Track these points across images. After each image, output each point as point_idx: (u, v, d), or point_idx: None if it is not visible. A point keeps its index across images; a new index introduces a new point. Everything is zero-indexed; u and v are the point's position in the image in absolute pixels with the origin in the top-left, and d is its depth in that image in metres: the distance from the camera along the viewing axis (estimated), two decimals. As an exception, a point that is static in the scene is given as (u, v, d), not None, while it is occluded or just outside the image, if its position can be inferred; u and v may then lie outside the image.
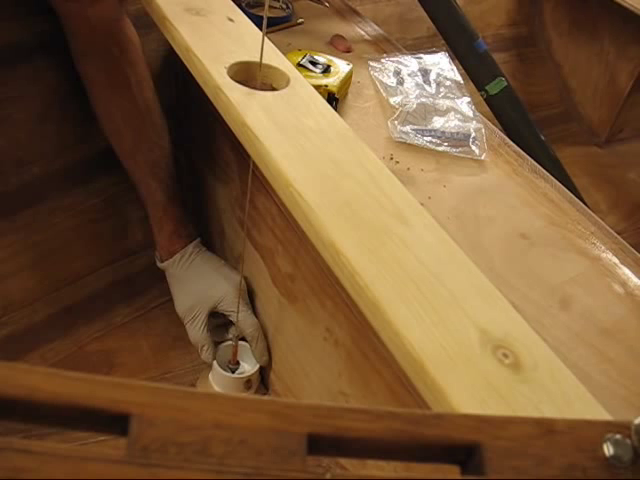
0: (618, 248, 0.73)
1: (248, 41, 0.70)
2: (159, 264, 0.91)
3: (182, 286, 0.90)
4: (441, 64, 0.98)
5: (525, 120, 1.11)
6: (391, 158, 0.81)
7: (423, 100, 0.90)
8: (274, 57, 0.69)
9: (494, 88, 1.08)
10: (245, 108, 0.60)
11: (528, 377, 0.42)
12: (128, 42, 0.83)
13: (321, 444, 0.22)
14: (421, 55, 0.99)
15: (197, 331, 0.89)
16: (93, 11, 0.78)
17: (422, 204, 0.58)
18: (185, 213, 0.91)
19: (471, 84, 1.08)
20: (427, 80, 0.95)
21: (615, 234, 0.74)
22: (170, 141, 0.90)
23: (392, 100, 0.89)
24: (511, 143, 0.87)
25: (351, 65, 0.89)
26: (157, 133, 0.88)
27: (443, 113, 0.88)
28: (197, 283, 0.89)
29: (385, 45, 1.04)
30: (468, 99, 0.92)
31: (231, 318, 0.89)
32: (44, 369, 0.22)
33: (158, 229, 0.90)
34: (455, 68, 0.99)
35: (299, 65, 0.85)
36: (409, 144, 0.83)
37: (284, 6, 1.09)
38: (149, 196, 0.89)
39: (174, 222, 0.90)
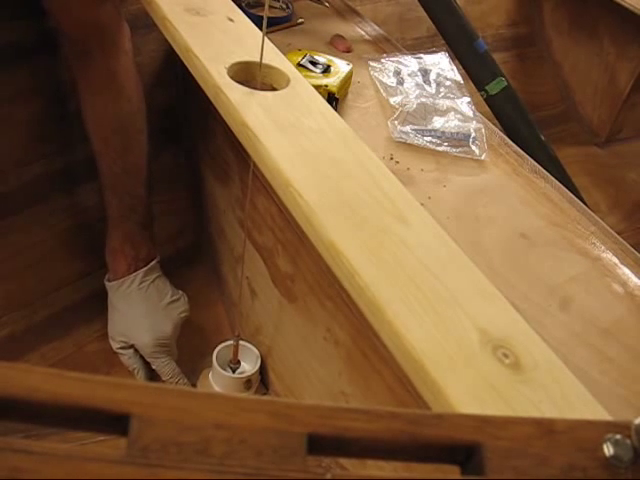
0: (618, 248, 0.73)
1: (248, 41, 0.69)
2: (105, 282, 0.89)
3: (112, 313, 0.89)
4: (441, 64, 0.98)
5: (525, 120, 1.11)
6: (391, 158, 0.81)
7: (423, 100, 0.90)
8: (274, 57, 0.69)
9: (494, 88, 1.08)
10: (245, 108, 0.60)
11: (528, 377, 0.42)
12: (122, 53, 0.81)
13: (321, 444, 0.22)
14: (421, 55, 0.99)
15: (123, 358, 0.89)
16: (92, 15, 0.77)
17: (422, 204, 0.58)
18: (142, 236, 0.87)
19: (471, 84, 1.08)
20: (427, 80, 0.95)
21: (615, 234, 0.74)
22: (145, 160, 0.86)
23: (392, 100, 0.89)
24: (511, 143, 0.87)
25: (351, 65, 0.89)
26: (127, 148, 0.84)
27: (443, 113, 0.88)
28: (124, 319, 0.87)
29: (385, 45, 1.04)
30: (468, 99, 0.92)
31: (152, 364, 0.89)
32: (44, 369, 0.22)
33: (107, 243, 0.87)
34: (455, 68, 0.99)
35: (299, 65, 0.85)
36: (409, 144, 0.83)
37: (284, 6, 1.09)
38: (105, 205, 0.87)
39: (120, 239, 0.86)
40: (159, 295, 0.88)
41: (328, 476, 0.21)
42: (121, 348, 0.88)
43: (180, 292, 0.91)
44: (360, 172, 0.56)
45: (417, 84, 0.93)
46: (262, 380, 0.93)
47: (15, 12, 0.84)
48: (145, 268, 0.87)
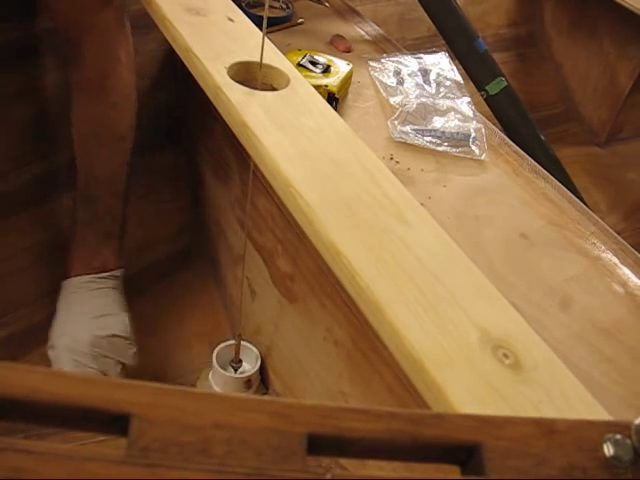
0: (618, 248, 0.73)
1: (248, 41, 0.70)
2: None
3: (55, 315, 0.84)
4: (441, 64, 0.98)
5: (525, 120, 1.11)
6: (391, 158, 0.81)
7: (423, 100, 0.89)
8: (274, 57, 0.69)
9: (494, 88, 1.08)
10: (245, 108, 0.60)
11: (528, 377, 0.42)
12: (114, 60, 0.80)
13: (321, 444, 0.22)
14: (421, 55, 0.99)
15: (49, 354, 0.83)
16: (89, 17, 0.76)
17: (422, 204, 0.58)
18: (103, 246, 0.85)
19: (471, 84, 1.08)
20: (427, 80, 0.95)
21: (615, 234, 0.74)
22: (122, 170, 0.83)
23: (392, 100, 0.89)
24: (511, 143, 0.87)
25: (351, 65, 0.89)
26: (102, 154, 0.82)
27: (443, 113, 0.88)
28: (55, 319, 0.82)
29: (385, 45, 1.04)
30: (468, 99, 0.92)
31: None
32: (44, 369, 0.22)
33: (70, 243, 0.85)
34: (455, 68, 0.99)
35: (299, 65, 0.85)
36: (409, 144, 0.83)
37: (284, 6, 1.09)
38: (74, 207, 0.85)
39: (78, 244, 0.84)
40: (93, 305, 0.83)
41: (328, 476, 0.21)
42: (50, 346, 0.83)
43: (124, 314, 0.85)
44: (360, 172, 0.56)
45: (417, 84, 0.93)
46: (262, 380, 0.93)
47: (15, 12, 0.84)
48: (92, 275, 0.84)
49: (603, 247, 0.72)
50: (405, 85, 0.93)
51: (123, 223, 0.88)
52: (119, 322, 0.84)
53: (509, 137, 0.89)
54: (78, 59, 0.80)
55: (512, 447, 0.23)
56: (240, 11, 0.76)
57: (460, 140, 0.85)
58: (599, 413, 0.41)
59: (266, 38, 0.63)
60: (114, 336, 0.83)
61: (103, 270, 0.85)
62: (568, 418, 0.25)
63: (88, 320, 0.82)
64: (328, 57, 0.89)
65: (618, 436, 0.24)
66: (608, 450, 0.24)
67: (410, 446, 0.23)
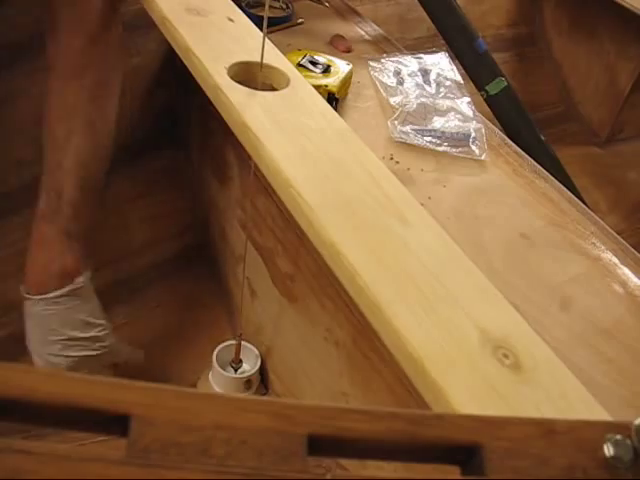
0: (618, 248, 0.73)
1: (248, 41, 0.69)
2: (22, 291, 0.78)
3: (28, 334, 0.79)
4: (441, 64, 0.98)
5: (525, 120, 1.11)
6: (391, 158, 0.81)
7: (423, 100, 0.89)
8: (274, 57, 0.69)
9: (494, 88, 1.08)
10: (245, 108, 0.60)
11: (528, 377, 0.42)
12: (91, 40, 0.72)
13: (322, 445, 0.22)
14: (421, 55, 0.99)
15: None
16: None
17: (422, 204, 0.58)
18: (62, 245, 0.76)
19: (471, 84, 1.08)
20: (427, 80, 0.95)
21: (615, 234, 0.74)
22: (87, 159, 0.75)
23: (392, 100, 0.89)
24: (511, 143, 0.87)
25: (351, 65, 0.89)
26: (69, 141, 0.73)
27: (443, 113, 0.88)
28: (30, 334, 0.79)
29: (385, 45, 1.04)
30: (468, 99, 0.92)
31: None
32: (44, 369, 0.22)
33: (29, 247, 0.77)
34: (455, 68, 0.99)
35: (299, 65, 0.85)
36: (409, 144, 0.83)
37: (284, 6, 1.09)
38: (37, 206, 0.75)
39: (36, 242, 0.76)
40: (63, 330, 0.77)
41: (328, 476, 0.21)
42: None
43: (102, 325, 0.79)
44: (360, 172, 0.56)
45: (417, 84, 0.93)
46: (262, 380, 0.93)
47: (14, 12, 0.84)
48: (56, 292, 0.76)
49: (603, 247, 0.72)
50: (405, 85, 0.93)
51: (90, 226, 0.78)
52: (98, 340, 0.78)
53: (509, 137, 0.89)
54: (53, 33, 0.72)
55: (512, 447, 0.23)
56: (240, 11, 0.76)
57: (460, 140, 0.85)
58: (599, 413, 0.41)
59: (266, 38, 0.63)
60: (97, 356, 0.78)
61: (63, 278, 0.77)
62: (568, 418, 0.25)
63: (64, 348, 0.77)
64: (328, 57, 0.89)
65: (618, 436, 0.24)
66: (608, 450, 0.24)
67: (410, 446, 0.23)
